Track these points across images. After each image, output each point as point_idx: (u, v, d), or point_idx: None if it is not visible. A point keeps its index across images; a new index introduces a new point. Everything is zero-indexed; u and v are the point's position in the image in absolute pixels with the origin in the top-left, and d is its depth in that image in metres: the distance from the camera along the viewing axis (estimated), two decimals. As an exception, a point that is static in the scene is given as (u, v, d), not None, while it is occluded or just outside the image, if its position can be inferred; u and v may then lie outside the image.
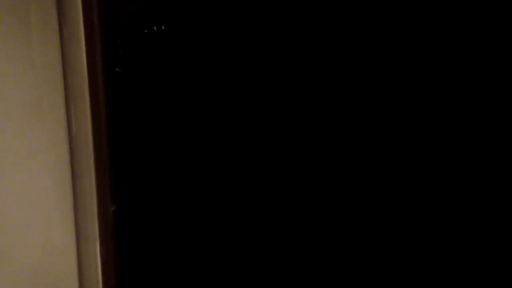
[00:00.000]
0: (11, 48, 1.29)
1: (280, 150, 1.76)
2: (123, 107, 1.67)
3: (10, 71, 1.29)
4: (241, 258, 1.82)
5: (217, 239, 1.80)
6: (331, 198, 1.77)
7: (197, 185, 1.78)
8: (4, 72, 1.28)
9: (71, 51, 1.38)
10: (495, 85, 1.65)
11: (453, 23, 1.64)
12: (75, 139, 1.40)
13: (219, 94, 1.75)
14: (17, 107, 1.31)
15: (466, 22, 1.64)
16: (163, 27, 1.71)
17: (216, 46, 1.73)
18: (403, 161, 1.71)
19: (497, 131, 1.66)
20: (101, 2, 1.48)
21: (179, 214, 1.79)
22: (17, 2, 1.28)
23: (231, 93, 1.75)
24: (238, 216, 1.78)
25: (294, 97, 1.74)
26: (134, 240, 1.77)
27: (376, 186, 1.74)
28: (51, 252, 1.43)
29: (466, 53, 1.65)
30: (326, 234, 1.78)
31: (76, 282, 1.47)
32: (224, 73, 1.74)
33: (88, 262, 1.48)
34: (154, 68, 1.69)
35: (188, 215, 1.79)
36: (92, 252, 1.48)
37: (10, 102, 1.30)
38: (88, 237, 1.48)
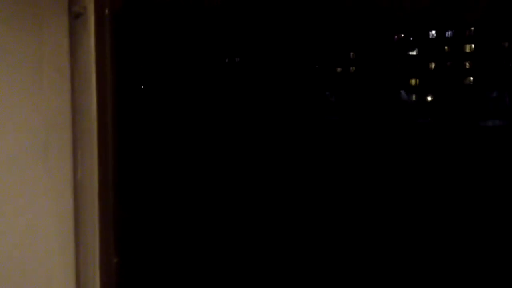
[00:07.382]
0: (22, 92, 1.30)
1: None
2: (130, 158, 1.68)
3: (20, 115, 1.30)
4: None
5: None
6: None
7: (202, 239, 1.77)
8: (14, 115, 1.30)
9: (82, 100, 1.40)
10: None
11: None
12: (80, 186, 1.39)
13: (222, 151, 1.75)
14: (24, 151, 1.32)
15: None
16: (168, 83, 1.74)
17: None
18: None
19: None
20: (114, 54, 1.51)
21: (182, 269, 1.77)
22: (30, 46, 1.31)
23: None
24: (237, 268, 1.75)
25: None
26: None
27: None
28: None
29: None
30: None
31: None
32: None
33: (88, 314, 1.45)
34: (163, 120, 1.71)
35: (191, 270, 1.76)
36: (92, 304, 1.45)
37: (17, 146, 1.31)
38: (89, 288, 1.45)
